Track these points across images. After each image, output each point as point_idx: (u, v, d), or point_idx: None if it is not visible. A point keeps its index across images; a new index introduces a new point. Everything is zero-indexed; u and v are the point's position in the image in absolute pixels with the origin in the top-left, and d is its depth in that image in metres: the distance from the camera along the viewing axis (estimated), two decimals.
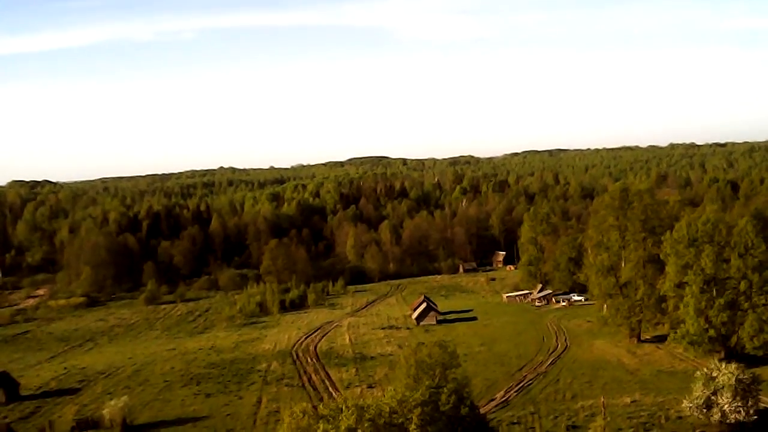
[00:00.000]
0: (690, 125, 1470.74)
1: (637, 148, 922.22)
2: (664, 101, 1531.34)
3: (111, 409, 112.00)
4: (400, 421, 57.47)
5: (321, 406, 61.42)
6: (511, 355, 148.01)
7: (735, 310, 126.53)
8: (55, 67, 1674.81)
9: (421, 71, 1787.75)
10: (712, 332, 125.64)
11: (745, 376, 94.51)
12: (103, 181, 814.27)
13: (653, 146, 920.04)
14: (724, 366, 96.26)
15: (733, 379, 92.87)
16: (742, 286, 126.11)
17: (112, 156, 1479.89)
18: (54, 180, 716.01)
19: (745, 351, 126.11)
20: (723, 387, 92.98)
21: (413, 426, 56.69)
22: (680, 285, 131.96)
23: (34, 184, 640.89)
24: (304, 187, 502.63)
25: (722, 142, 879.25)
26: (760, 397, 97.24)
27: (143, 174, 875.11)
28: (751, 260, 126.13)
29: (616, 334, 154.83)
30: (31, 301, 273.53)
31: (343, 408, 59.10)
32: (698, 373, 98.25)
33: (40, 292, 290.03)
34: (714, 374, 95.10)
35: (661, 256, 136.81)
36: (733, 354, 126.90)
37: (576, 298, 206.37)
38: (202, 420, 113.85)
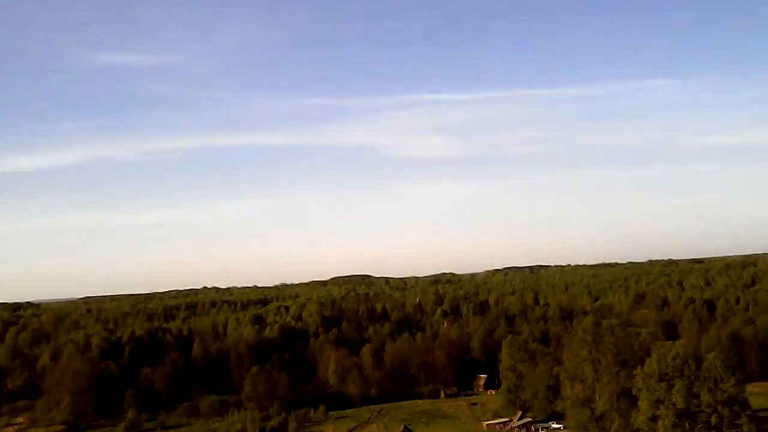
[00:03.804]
0: (668, 241, 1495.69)
1: (616, 265, 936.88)
2: (644, 217, 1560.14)
3: None
4: None
5: None
6: None
7: None
8: (36, 187, 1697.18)
9: (403, 190, 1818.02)
10: None
11: None
12: (86, 301, 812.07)
13: (632, 263, 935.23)
14: None
15: None
16: (713, 420, 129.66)
17: (95, 275, 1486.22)
18: (37, 299, 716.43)
19: None
20: None
21: None
22: (653, 418, 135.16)
23: (17, 307, 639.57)
24: (286, 309, 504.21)
25: (700, 257, 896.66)
26: None
27: (126, 293, 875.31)
28: (720, 394, 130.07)
29: None
30: (10, 430, 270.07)
31: None
32: None
33: (20, 420, 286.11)
34: None
35: (633, 390, 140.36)
36: None
37: (555, 426, 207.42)
38: None
